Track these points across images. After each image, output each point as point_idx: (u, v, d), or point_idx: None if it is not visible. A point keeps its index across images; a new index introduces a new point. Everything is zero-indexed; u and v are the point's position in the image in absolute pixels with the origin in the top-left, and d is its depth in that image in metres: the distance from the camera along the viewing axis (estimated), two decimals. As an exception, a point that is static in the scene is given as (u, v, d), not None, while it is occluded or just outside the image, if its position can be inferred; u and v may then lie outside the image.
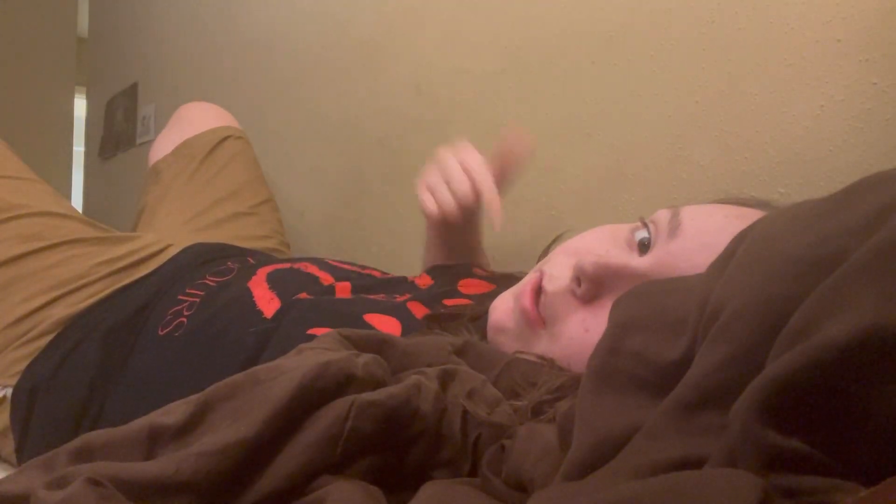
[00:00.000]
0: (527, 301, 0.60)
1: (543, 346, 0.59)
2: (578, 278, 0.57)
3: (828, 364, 0.25)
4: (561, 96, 1.08)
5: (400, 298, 0.79)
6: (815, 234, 0.31)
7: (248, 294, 0.78)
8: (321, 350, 0.44)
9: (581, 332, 0.57)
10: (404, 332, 0.68)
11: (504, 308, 0.64)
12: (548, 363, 0.54)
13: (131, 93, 2.55)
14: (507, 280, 0.87)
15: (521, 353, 0.57)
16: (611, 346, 0.37)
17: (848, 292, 0.27)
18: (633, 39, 0.98)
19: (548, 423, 0.43)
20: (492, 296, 0.81)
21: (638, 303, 0.39)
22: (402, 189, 1.39)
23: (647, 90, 0.96)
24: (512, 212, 1.17)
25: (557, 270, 0.61)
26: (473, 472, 0.43)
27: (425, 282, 0.87)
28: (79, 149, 3.12)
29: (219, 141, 1.31)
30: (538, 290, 0.61)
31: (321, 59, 1.61)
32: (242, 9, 1.92)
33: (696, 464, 0.29)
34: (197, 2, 2.17)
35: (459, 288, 0.85)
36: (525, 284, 0.63)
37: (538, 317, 0.60)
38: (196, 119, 1.36)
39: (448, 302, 0.80)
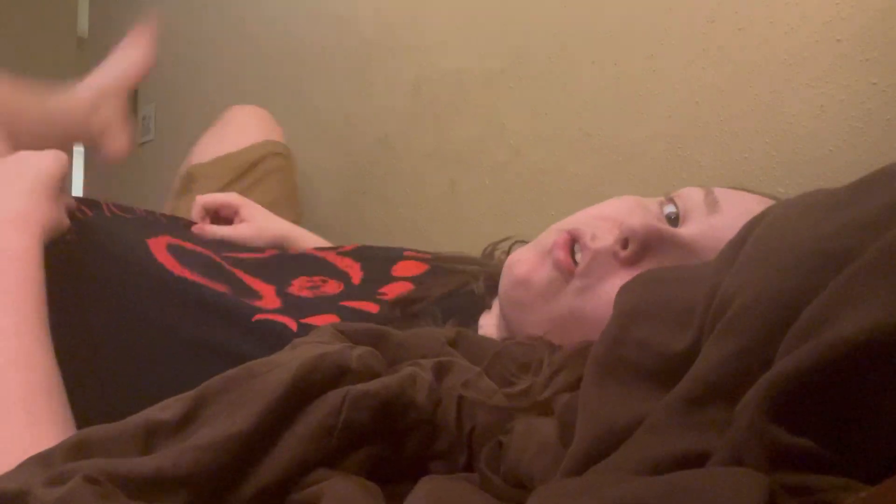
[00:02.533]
0: (562, 254, 0.60)
1: (569, 299, 0.59)
2: (626, 240, 0.57)
3: (839, 361, 0.25)
4: (561, 96, 1.08)
5: (333, 292, 0.78)
6: (827, 228, 0.31)
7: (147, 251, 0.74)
8: (316, 343, 0.44)
9: (610, 279, 0.57)
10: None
11: (530, 262, 0.62)
12: (538, 342, 0.53)
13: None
14: (441, 259, 0.87)
15: (511, 339, 0.58)
16: (616, 335, 0.37)
17: (861, 289, 0.26)
18: (633, 39, 0.98)
19: (545, 418, 0.43)
20: (430, 274, 0.81)
21: (644, 291, 0.39)
22: (402, 189, 1.39)
23: (647, 90, 0.96)
24: (512, 211, 1.17)
25: (599, 232, 0.60)
26: (469, 464, 0.43)
27: (354, 271, 0.84)
28: (79, 149, 3.12)
29: (258, 159, 1.29)
30: (571, 246, 0.61)
31: (321, 58, 1.61)
32: (243, 9, 1.93)
33: (700, 458, 0.29)
34: (197, 2, 2.18)
35: (393, 273, 0.84)
36: (553, 240, 0.61)
37: (572, 266, 0.60)
38: (241, 129, 1.34)
39: (384, 289, 0.78)
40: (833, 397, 0.25)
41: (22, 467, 0.37)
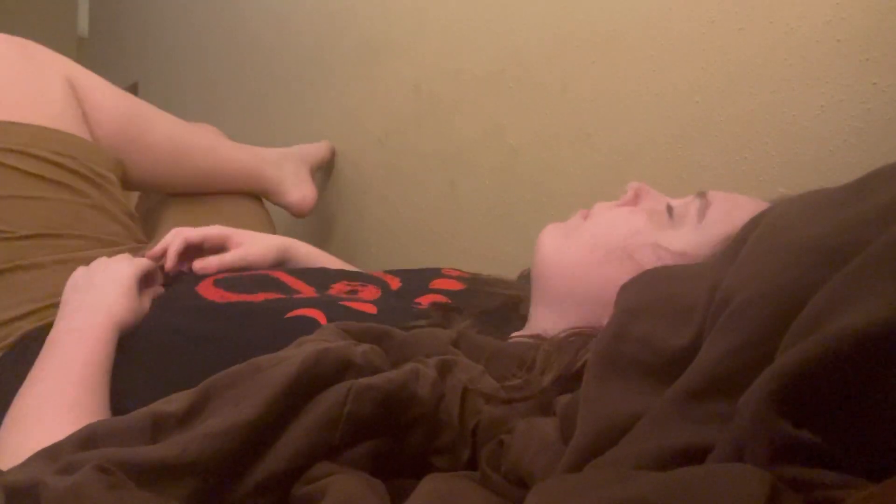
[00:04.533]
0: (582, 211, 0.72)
1: (582, 232, 0.68)
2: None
3: (843, 355, 0.25)
4: (561, 96, 1.08)
5: (371, 297, 0.81)
6: (830, 224, 0.31)
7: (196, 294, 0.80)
8: (321, 341, 0.44)
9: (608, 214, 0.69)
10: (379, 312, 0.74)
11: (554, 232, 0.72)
12: (537, 340, 0.54)
13: (131, 92, 2.54)
14: (478, 282, 0.90)
15: (515, 336, 0.58)
16: (617, 331, 0.37)
17: (864, 283, 0.26)
18: (633, 39, 0.98)
19: (547, 418, 0.43)
20: (466, 294, 0.83)
21: (646, 289, 0.39)
22: (402, 189, 1.39)
23: (647, 90, 0.96)
24: (512, 212, 1.17)
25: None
26: (473, 460, 0.43)
27: (394, 282, 0.88)
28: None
29: None
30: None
31: (321, 59, 1.61)
32: (242, 8, 1.93)
33: (701, 451, 0.29)
34: (197, 2, 2.18)
35: (430, 286, 0.87)
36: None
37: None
38: None
39: (420, 299, 0.81)
40: (837, 391, 0.25)
41: (31, 460, 0.37)
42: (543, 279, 0.68)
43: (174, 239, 0.90)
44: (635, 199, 0.70)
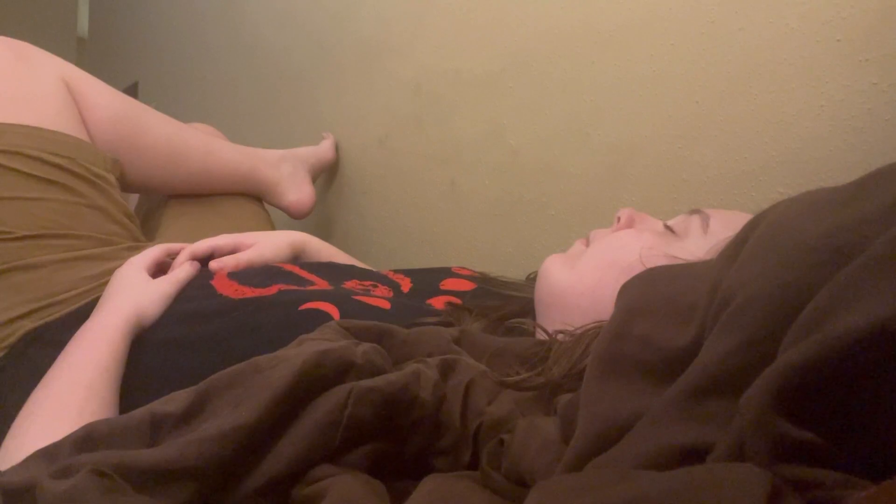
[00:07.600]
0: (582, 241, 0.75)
1: (590, 256, 0.70)
2: (618, 218, 0.73)
3: (844, 354, 0.25)
4: (561, 96, 1.08)
5: (383, 293, 0.81)
6: (832, 223, 0.31)
7: (210, 287, 0.81)
8: (321, 340, 0.44)
9: (612, 236, 0.70)
10: (393, 309, 0.75)
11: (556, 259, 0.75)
12: (535, 344, 0.54)
13: (131, 93, 2.55)
14: (488, 282, 0.91)
15: (513, 343, 0.59)
16: (618, 330, 0.37)
17: (866, 283, 0.26)
18: (633, 39, 0.98)
19: (548, 417, 0.43)
20: (477, 294, 0.83)
21: (646, 288, 0.39)
22: (402, 189, 1.39)
23: (647, 90, 0.96)
24: (512, 211, 1.17)
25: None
26: (474, 462, 0.43)
27: (404, 282, 0.89)
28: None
29: None
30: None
31: (321, 59, 1.61)
32: (242, 8, 1.93)
33: (702, 451, 0.29)
34: (197, 2, 2.18)
35: (441, 286, 0.87)
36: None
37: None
38: None
39: (432, 301, 0.82)
40: (838, 390, 0.25)
41: (29, 461, 0.37)
42: (557, 307, 0.69)
43: (180, 258, 0.90)
44: (630, 223, 0.72)
